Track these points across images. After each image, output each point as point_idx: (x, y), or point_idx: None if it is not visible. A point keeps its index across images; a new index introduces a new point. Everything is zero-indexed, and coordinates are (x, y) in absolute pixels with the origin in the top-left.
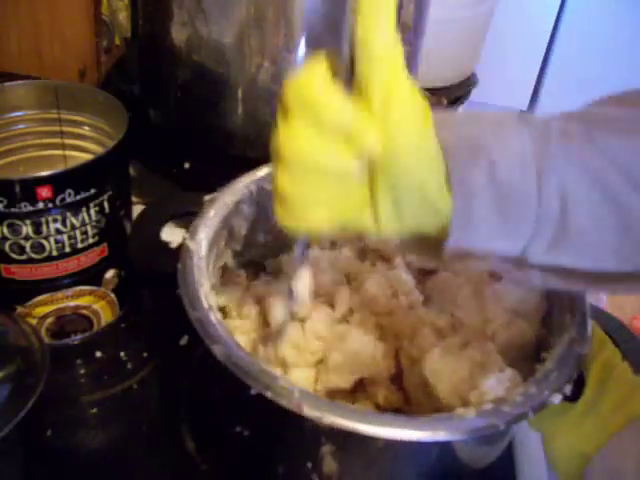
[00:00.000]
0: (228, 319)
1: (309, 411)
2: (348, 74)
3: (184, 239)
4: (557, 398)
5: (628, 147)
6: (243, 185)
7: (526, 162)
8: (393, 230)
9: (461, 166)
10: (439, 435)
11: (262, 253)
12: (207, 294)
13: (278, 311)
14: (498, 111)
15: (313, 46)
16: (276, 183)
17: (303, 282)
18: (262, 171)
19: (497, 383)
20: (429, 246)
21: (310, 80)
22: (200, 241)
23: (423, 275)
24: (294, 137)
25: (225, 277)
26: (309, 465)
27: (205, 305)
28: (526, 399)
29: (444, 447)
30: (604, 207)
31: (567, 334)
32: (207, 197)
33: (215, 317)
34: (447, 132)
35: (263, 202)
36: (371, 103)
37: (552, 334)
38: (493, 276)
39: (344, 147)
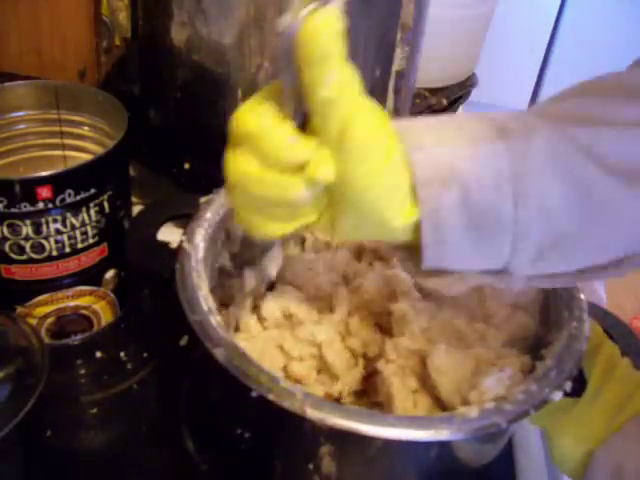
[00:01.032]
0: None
1: (312, 413)
2: (298, 104)
3: (181, 242)
4: (557, 395)
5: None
6: None
7: (501, 185)
8: (351, 238)
9: (432, 195)
10: (441, 435)
11: (257, 254)
12: (206, 297)
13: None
14: (493, 112)
15: None
16: (228, 200)
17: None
18: None
19: (497, 382)
20: (410, 254)
21: (254, 111)
22: (197, 244)
23: None
24: (238, 167)
25: (222, 279)
26: (310, 466)
27: (205, 308)
28: (527, 397)
29: (444, 446)
30: (580, 203)
31: (565, 330)
32: (203, 199)
33: (215, 320)
34: (421, 155)
35: None
36: (327, 137)
37: (550, 331)
38: None
39: (292, 178)
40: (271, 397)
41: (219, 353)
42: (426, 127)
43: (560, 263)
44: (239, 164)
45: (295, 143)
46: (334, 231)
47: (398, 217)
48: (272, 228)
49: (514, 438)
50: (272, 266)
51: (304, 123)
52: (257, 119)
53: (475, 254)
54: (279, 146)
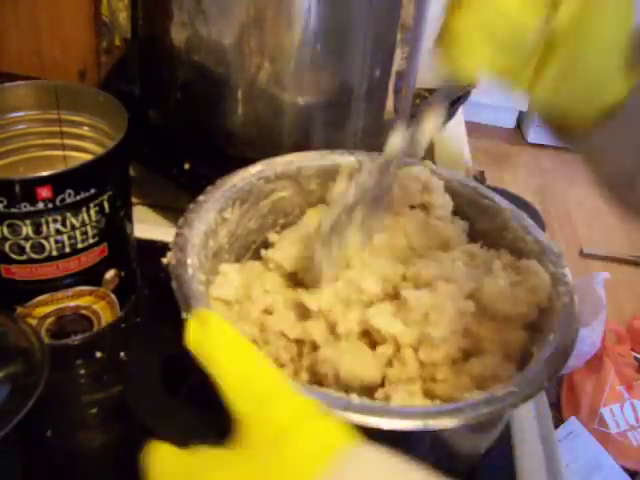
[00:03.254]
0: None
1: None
2: None
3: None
4: None
5: None
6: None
7: None
8: (544, 99)
9: None
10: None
11: None
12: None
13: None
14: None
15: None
16: (450, 19)
17: (430, 125)
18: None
19: None
20: (565, 130)
21: None
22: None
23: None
24: None
25: None
26: None
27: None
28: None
29: (439, 435)
30: None
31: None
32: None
33: None
34: None
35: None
36: None
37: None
38: None
39: (531, 5)
40: None
41: None
42: None
43: None
44: None
45: None
46: (536, 88)
47: (611, 83)
48: (482, 56)
49: (512, 426)
50: None
51: None
52: None
53: None
54: None
